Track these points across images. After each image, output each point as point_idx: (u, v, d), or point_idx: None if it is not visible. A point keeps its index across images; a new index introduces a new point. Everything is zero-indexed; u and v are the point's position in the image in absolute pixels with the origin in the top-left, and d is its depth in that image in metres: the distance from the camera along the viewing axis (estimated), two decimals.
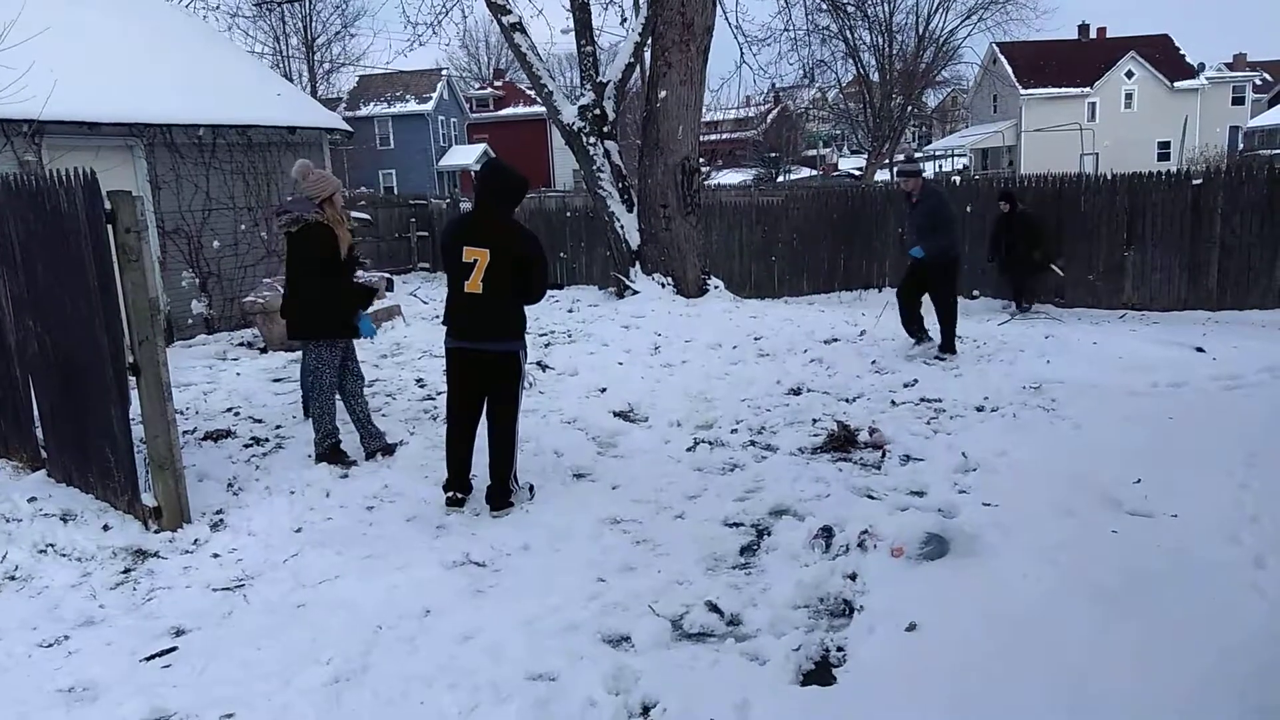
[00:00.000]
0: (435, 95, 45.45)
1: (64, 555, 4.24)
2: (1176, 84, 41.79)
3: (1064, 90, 41.65)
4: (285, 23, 37.03)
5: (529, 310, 4.72)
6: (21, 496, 4.68)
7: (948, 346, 7.88)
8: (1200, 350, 7.66)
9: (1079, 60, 42.65)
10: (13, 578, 4.03)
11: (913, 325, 8.05)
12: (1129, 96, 42.31)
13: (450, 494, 4.78)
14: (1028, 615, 3.29)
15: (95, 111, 9.18)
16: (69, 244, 4.36)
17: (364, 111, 43.32)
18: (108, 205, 4.16)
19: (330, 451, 5.43)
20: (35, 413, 5.14)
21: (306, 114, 12.41)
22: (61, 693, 3.16)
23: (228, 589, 3.96)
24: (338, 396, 5.53)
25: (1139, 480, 4.44)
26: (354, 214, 15.32)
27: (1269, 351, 7.33)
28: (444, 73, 46.96)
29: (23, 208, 4.68)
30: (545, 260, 4.68)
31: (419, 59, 30.95)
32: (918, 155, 42.78)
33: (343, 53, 42.61)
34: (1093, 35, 45.73)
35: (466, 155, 46.13)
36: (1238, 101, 44.88)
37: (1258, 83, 47.20)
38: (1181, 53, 43.51)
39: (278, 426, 6.27)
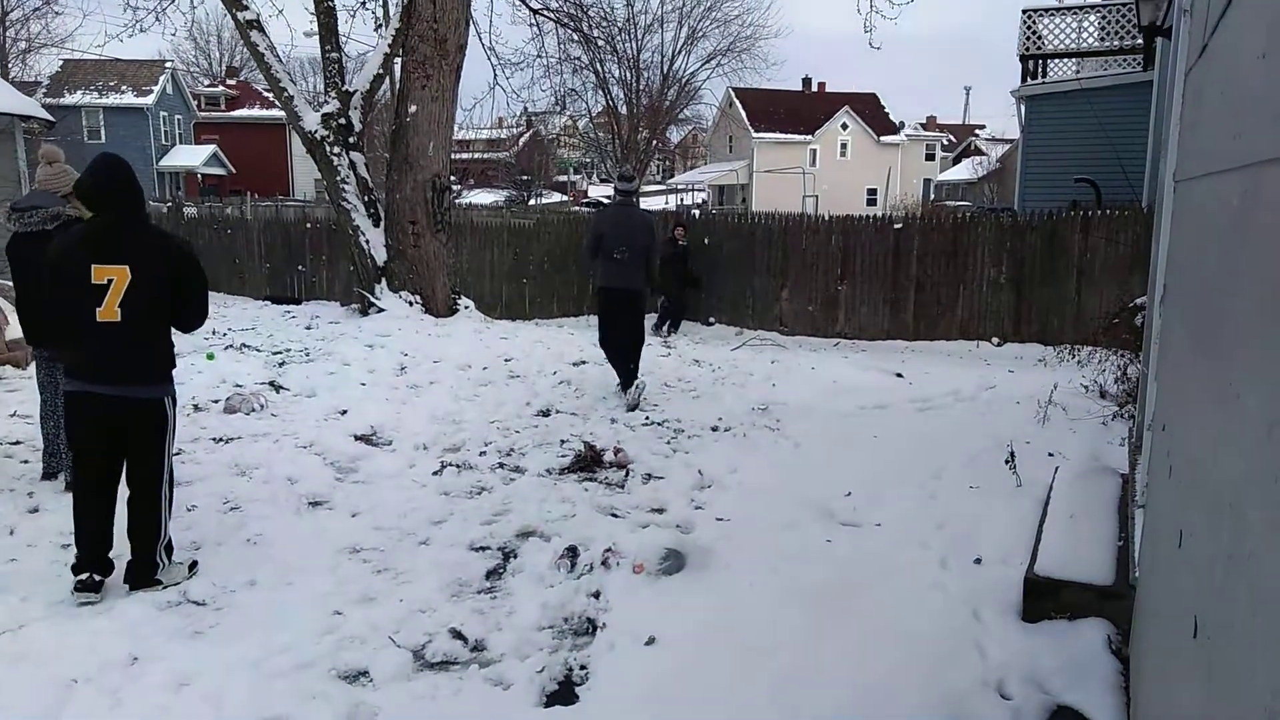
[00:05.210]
0: (157, 89, 41.36)
1: None
2: (882, 138, 46.99)
3: (790, 136, 45.49)
4: None
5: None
6: None
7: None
8: (899, 375, 8.66)
9: (803, 110, 46.82)
10: None
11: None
12: (844, 146, 46.99)
13: (84, 576, 3.71)
14: (753, 623, 3.53)
15: None
16: None
17: (69, 99, 38.47)
18: None
19: None
20: None
21: None
22: None
23: None
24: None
25: (849, 493, 4.93)
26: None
27: (952, 377, 8.43)
28: (168, 65, 42.91)
29: None
30: (205, 278, 3.92)
31: (138, 47, 28.08)
32: (658, 185, 44.50)
33: (44, 31, 37.57)
34: (814, 89, 50.55)
35: (193, 156, 42.43)
36: (929, 157, 51.37)
37: (945, 142, 54.26)
38: (886, 110, 49.04)
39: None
